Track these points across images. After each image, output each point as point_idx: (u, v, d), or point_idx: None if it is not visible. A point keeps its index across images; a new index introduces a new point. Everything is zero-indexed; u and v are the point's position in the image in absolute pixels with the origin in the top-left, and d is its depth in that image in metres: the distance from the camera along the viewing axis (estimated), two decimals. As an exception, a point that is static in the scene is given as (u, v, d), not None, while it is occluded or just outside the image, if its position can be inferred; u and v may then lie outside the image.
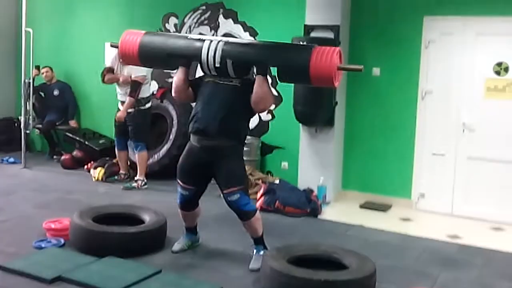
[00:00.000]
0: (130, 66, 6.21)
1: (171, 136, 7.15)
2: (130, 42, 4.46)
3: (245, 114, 4.32)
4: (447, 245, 5.15)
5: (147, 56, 4.44)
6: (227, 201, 4.29)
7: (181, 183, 4.43)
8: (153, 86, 7.80)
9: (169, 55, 4.32)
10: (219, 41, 4.20)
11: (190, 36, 4.54)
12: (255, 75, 4.14)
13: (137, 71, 6.50)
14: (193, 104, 4.48)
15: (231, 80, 4.25)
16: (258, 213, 4.36)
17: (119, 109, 6.83)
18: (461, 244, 5.18)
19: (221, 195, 4.41)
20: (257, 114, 6.76)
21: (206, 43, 4.20)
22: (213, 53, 4.15)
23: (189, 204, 4.51)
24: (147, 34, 4.52)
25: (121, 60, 4.69)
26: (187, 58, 4.30)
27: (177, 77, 4.33)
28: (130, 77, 6.59)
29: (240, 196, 4.21)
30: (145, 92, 6.77)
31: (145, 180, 6.78)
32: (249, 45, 4.47)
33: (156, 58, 4.43)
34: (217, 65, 4.15)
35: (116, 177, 6.97)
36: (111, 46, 4.79)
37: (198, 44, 4.24)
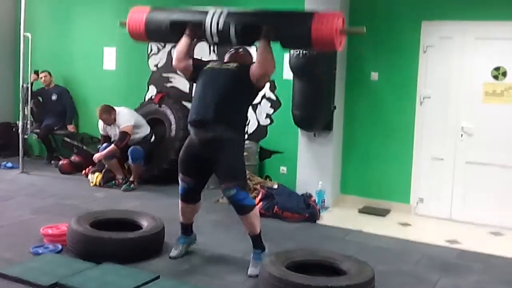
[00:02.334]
0: (120, 121, 6.83)
1: (169, 140, 7.14)
2: (137, 19, 4.56)
3: (243, 100, 4.34)
4: (446, 250, 5.14)
5: (153, 30, 4.52)
6: (225, 194, 4.33)
7: (181, 174, 4.47)
8: (152, 91, 7.81)
9: (173, 22, 4.38)
10: (223, 10, 4.27)
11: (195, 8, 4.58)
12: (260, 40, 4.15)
13: (124, 122, 6.83)
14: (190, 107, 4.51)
15: (229, 65, 4.31)
16: (256, 209, 4.37)
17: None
18: (460, 249, 5.17)
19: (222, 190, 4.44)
20: (254, 117, 6.86)
21: (210, 11, 4.29)
22: (217, 19, 4.21)
23: (190, 195, 4.52)
24: (152, 10, 4.60)
25: (130, 37, 4.75)
26: (191, 24, 4.33)
27: (179, 43, 4.38)
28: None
29: (237, 191, 4.21)
30: (146, 129, 7.11)
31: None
32: (252, 12, 4.49)
33: (162, 31, 4.48)
34: (220, 28, 4.18)
35: (114, 182, 6.96)
36: (120, 24, 4.83)
37: (203, 13, 4.33)
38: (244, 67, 4.27)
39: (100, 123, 7.06)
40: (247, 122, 4.57)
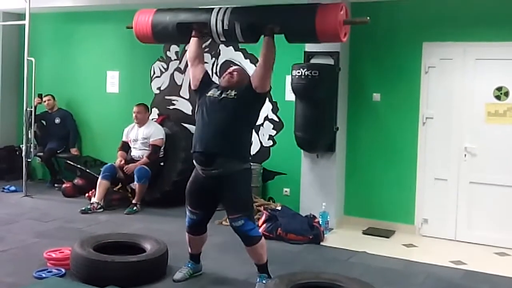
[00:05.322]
0: (148, 129, 7.10)
1: (171, 163, 7.14)
2: (143, 22, 4.63)
3: (246, 126, 4.33)
4: (451, 271, 5.11)
5: (160, 32, 4.59)
6: (232, 226, 4.28)
7: (189, 207, 4.45)
8: (154, 114, 7.84)
9: (179, 24, 4.46)
10: (227, 7, 4.32)
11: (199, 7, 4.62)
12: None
13: (156, 135, 7.07)
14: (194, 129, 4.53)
15: (228, 92, 4.27)
16: (263, 240, 4.33)
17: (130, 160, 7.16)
18: (465, 270, 5.13)
19: (227, 219, 4.41)
20: (257, 139, 6.86)
21: (215, 10, 4.35)
22: (221, 18, 4.27)
23: (197, 227, 4.50)
24: (158, 11, 4.65)
25: (138, 39, 4.83)
26: (197, 24, 4.41)
27: (189, 46, 4.51)
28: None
29: (245, 222, 4.19)
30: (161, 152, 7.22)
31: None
32: (256, 7, 4.51)
33: (168, 33, 4.57)
34: (225, 27, 4.25)
35: (89, 207, 6.78)
36: (127, 27, 4.89)
37: (207, 12, 4.39)
38: (243, 90, 4.22)
39: (127, 128, 7.27)
40: (250, 147, 4.57)
